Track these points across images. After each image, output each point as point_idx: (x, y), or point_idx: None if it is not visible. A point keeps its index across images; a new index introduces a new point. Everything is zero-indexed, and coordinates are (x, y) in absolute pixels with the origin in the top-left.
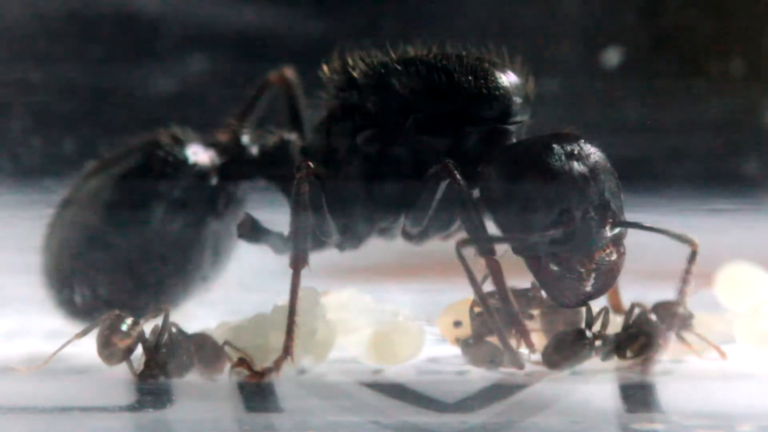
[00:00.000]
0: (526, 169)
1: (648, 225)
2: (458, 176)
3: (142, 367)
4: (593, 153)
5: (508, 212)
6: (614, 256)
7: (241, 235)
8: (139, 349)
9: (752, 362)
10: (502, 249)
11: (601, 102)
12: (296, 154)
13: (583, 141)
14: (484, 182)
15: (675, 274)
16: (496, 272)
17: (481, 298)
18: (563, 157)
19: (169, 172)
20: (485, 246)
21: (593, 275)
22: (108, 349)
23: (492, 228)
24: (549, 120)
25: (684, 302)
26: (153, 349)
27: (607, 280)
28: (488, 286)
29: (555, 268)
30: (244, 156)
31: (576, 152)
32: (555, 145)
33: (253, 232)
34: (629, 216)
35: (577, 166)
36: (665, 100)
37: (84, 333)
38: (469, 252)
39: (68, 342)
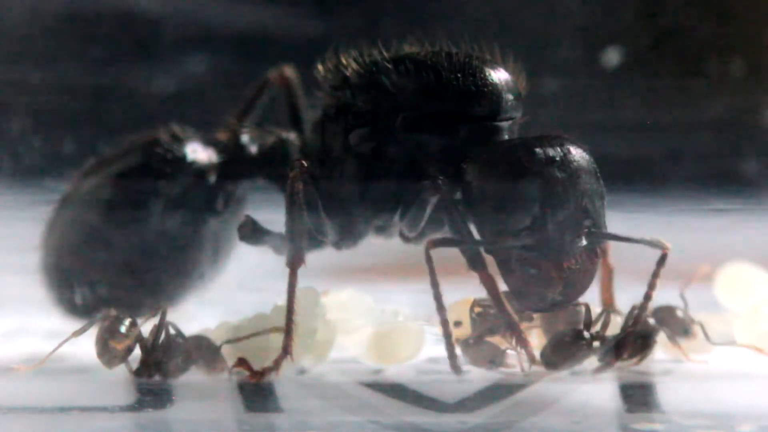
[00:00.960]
0: (501, 171)
1: (621, 236)
2: (447, 193)
3: (138, 365)
4: (574, 158)
5: (483, 213)
6: (586, 264)
7: (242, 238)
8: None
9: (752, 362)
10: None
11: (601, 102)
12: (295, 154)
13: (566, 145)
14: (463, 181)
15: (675, 274)
16: (490, 286)
17: (438, 301)
18: (540, 162)
19: (168, 170)
20: (477, 261)
21: (562, 282)
22: (108, 354)
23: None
24: (548, 120)
25: (647, 307)
26: (149, 349)
27: (577, 287)
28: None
29: (523, 272)
30: (243, 155)
31: (555, 157)
32: (534, 149)
33: (254, 233)
34: (623, 216)
35: (553, 172)
36: (665, 100)
37: (81, 331)
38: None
39: (66, 340)
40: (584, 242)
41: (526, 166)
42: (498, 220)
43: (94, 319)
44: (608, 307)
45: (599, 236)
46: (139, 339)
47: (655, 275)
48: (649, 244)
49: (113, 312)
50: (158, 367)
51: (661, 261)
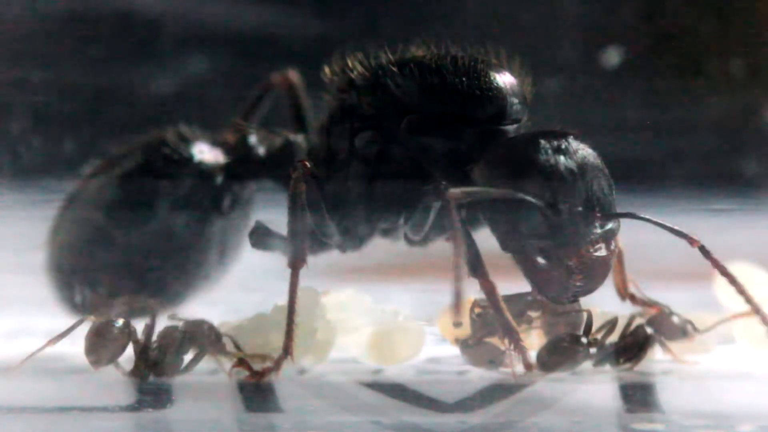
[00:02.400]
0: (511, 165)
1: (647, 217)
2: (450, 200)
3: (133, 365)
4: (581, 149)
5: (496, 209)
6: (603, 252)
7: (254, 244)
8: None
9: (752, 362)
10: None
11: (601, 102)
12: (302, 156)
13: (571, 137)
14: (473, 181)
15: (675, 274)
16: (491, 293)
17: (458, 266)
18: (549, 153)
19: (175, 171)
20: (478, 267)
21: (581, 271)
22: (95, 354)
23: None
24: (549, 120)
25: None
26: (143, 350)
27: (596, 276)
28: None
29: (543, 263)
30: (250, 156)
31: (562, 148)
32: (541, 141)
33: (266, 239)
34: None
35: (562, 161)
36: (665, 100)
37: (67, 332)
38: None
39: (45, 345)
40: (599, 229)
41: (533, 157)
42: (511, 215)
43: (81, 320)
44: (624, 295)
45: (619, 216)
46: (134, 340)
47: (723, 271)
48: (676, 234)
49: (103, 315)
50: (153, 367)
51: (706, 254)
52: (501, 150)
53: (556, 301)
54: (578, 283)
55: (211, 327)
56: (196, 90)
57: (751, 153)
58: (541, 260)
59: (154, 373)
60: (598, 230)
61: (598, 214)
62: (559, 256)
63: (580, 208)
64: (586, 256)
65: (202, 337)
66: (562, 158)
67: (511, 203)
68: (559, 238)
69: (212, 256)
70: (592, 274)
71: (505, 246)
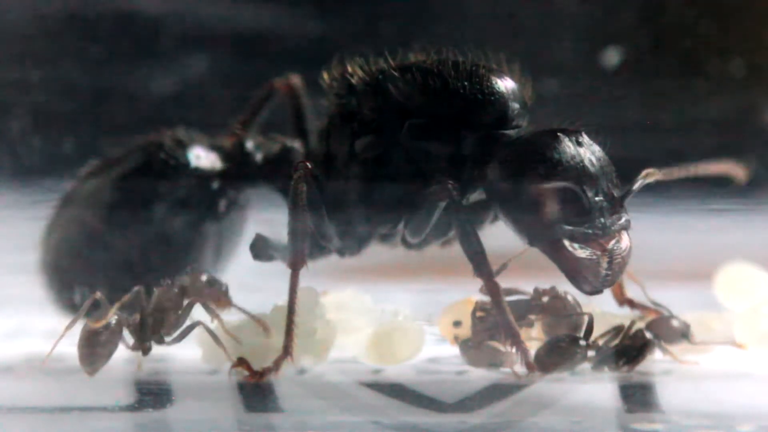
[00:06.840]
0: (538, 157)
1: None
2: (457, 197)
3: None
4: (593, 143)
5: (522, 203)
6: (626, 242)
7: (255, 256)
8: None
9: (752, 362)
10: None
11: (601, 102)
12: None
13: (583, 133)
14: (491, 180)
15: (675, 274)
16: (495, 294)
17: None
18: (573, 144)
19: (170, 174)
20: (483, 267)
21: (610, 258)
22: (89, 360)
23: (492, 236)
24: (550, 120)
25: None
26: (141, 323)
27: (623, 264)
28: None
29: (576, 250)
30: (247, 161)
31: (581, 141)
32: (562, 135)
33: (267, 250)
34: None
35: (586, 152)
36: (665, 100)
37: (71, 324)
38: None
39: (61, 336)
40: (624, 215)
41: (560, 149)
42: (541, 206)
43: (82, 312)
44: (621, 299)
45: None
46: (127, 324)
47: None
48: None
49: (90, 322)
50: (154, 334)
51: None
52: (521, 147)
53: (588, 292)
54: (608, 272)
55: (212, 277)
56: (195, 91)
57: (751, 153)
58: (574, 248)
59: (155, 341)
60: (625, 216)
61: (620, 202)
62: (594, 243)
63: (609, 195)
64: (616, 242)
65: (199, 285)
66: (584, 150)
67: (540, 196)
68: (594, 225)
69: (206, 260)
70: (621, 262)
71: (533, 240)
